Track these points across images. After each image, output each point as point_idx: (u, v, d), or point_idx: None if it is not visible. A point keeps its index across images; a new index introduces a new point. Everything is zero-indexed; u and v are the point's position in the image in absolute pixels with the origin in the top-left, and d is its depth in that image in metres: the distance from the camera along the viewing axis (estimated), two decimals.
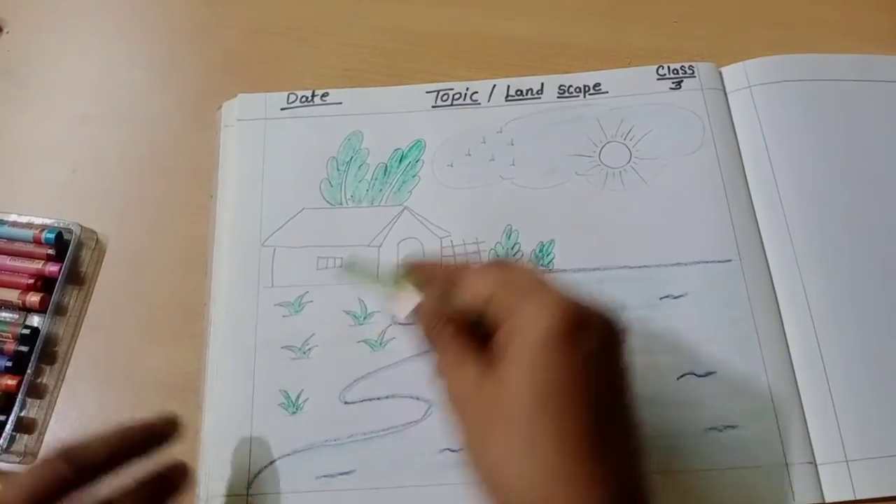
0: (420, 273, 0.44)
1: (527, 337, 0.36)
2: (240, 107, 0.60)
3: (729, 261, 0.53)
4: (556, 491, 0.34)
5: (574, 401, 0.35)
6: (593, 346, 0.36)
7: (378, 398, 0.51)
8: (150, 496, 0.44)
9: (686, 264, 0.54)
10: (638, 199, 0.56)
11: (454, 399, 0.39)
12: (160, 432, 0.45)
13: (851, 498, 0.48)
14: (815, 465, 0.48)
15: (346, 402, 0.51)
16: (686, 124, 0.58)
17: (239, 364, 0.52)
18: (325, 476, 0.49)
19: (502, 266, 0.41)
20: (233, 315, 0.53)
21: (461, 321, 0.40)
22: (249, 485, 0.49)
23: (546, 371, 0.35)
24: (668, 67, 0.60)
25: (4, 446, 0.50)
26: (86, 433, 0.42)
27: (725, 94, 0.59)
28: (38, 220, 0.56)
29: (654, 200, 0.56)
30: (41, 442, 0.52)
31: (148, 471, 0.44)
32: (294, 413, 0.51)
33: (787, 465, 0.48)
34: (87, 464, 0.41)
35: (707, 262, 0.54)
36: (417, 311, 0.43)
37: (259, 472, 0.49)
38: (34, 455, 0.51)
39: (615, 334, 0.38)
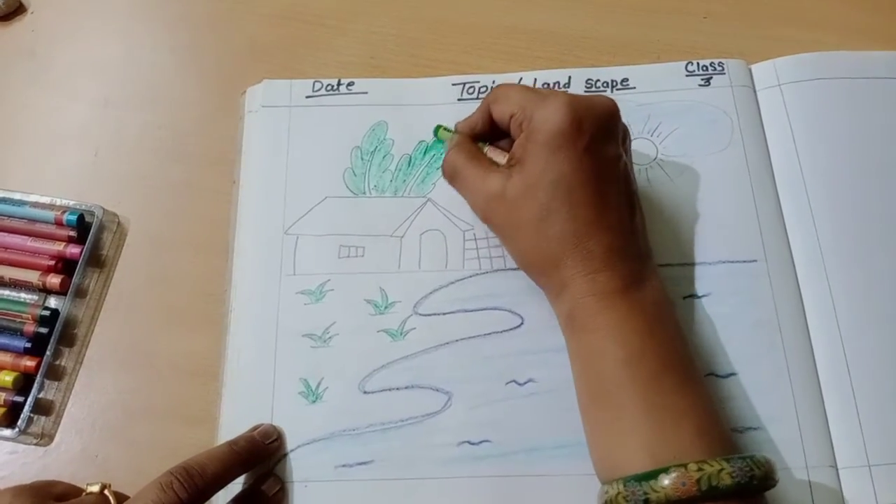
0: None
1: (538, 139, 0.46)
2: (264, 93, 0.59)
3: (754, 261, 0.53)
4: (570, 245, 0.45)
5: (579, 183, 0.45)
6: (588, 138, 0.45)
7: (397, 388, 0.51)
8: None
9: (710, 264, 0.53)
10: (663, 196, 0.55)
11: (485, 207, 0.49)
12: (264, 447, 0.48)
13: (873, 503, 0.47)
14: (837, 469, 0.48)
15: (365, 392, 0.51)
16: (714, 122, 0.57)
17: (259, 351, 0.52)
18: (343, 465, 0.49)
19: (524, 88, 0.50)
20: (254, 302, 0.53)
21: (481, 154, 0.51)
22: (270, 472, 0.49)
23: (555, 163, 0.45)
24: (698, 64, 0.59)
25: (22, 427, 0.50)
26: (199, 452, 0.45)
27: (755, 91, 0.58)
28: (59, 202, 0.56)
29: (679, 198, 0.55)
30: (58, 424, 0.52)
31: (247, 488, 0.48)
32: (314, 402, 0.51)
33: (807, 468, 0.48)
34: (202, 486, 0.43)
35: (732, 261, 0.53)
36: (451, 141, 0.53)
37: (278, 460, 0.49)
38: (51, 437, 0.52)
39: (609, 124, 0.47)
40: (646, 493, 0.39)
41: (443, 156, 0.54)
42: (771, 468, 0.40)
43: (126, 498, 0.47)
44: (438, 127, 0.56)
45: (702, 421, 0.42)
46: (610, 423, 0.43)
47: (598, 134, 0.46)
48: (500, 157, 0.51)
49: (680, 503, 0.38)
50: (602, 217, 0.46)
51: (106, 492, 0.48)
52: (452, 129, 0.55)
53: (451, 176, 0.52)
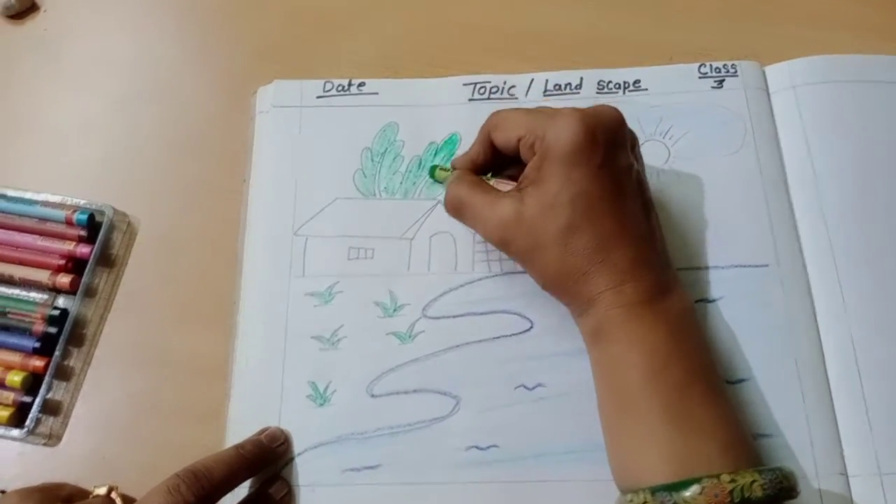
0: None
1: (554, 157, 0.46)
2: (275, 93, 0.59)
3: (766, 266, 0.53)
4: (597, 260, 0.45)
5: (598, 198, 0.45)
6: (603, 151, 0.45)
7: (406, 392, 0.51)
8: None
9: (722, 268, 0.53)
10: (674, 199, 0.55)
11: (501, 233, 0.48)
12: (271, 450, 0.48)
13: None
14: (847, 477, 0.48)
15: (373, 396, 0.51)
16: (727, 124, 0.57)
17: (268, 353, 0.52)
18: (351, 469, 0.49)
19: (526, 110, 0.50)
20: (263, 303, 0.53)
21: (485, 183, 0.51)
22: (276, 476, 0.49)
23: (574, 179, 0.45)
24: (711, 66, 0.59)
25: (31, 428, 0.50)
26: (206, 456, 0.45)
27: (768, 94, 0.58)
28: (70, 201, 0.56)
29: (690, 201, 0.55)
30: (67, 425, 0.52)
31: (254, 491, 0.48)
32: (322, 405, 0.50)
33: (818, 476, 0.47)
34: (209, 489, 0.43)
35: (743, 266, 0.53)
36: (451, 180, 0.52)
37: (286, 463, 0.49)
38: (59, 437, 0.52)
39: (619, 134, 0.47)
40: (675, 503, 0.39)
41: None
42: (796, 481, 0.41)
43: (133, 500, 0.47)
44: (434, 167, 0.56)
45: (728, 433, 0.42)
46: (633, 433, 0.43)
47: (610, 145, 0.46)
48: (505, 188, 0.50)
49: None
50: (624, 229, 0.46)
51: (113, 494, 0.48)
52: (448, 167, 0.55)
53: (457, 209, 0.52)
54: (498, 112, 0.51)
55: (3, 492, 0.50)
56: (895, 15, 0.62)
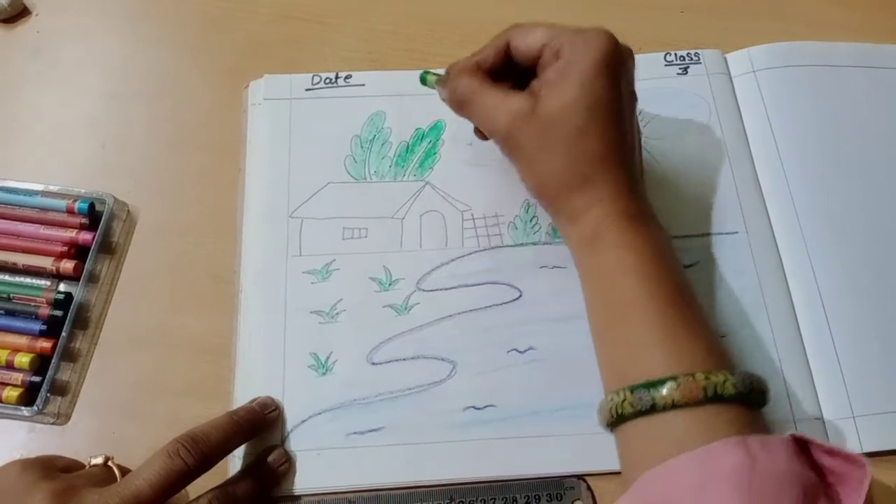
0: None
1: (580, 63, 0.47)
2: (266, 87, 0.62)
3: (736, 233, 0.56)
4: (602, 168, 0.47)
5: (613, 110, 0.48)
6: (623, 71, 0.48)
7: (404, 359, 0.53)
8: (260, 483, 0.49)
9: (695, 236, 0.57)
10: (649, 176, 0.58)
11: (510, 125, 0.48)
12: (263, 416, 0.50)
13: (858, 451, 0.50)
14: (823, 421, 0.51)
15: (373, 364, 0.53)
16: (693, 107, 0.61)
17: (270, 328, 0.54)
18: (354, 433, 0.51)
19: (547, 23, 0.51)
20: (263, 282, 0.55)
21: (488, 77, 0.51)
22: (282, 442, 0.51)
23: (596, 88, 0.47)
24: (675, 54, 0.63)
25: (40, 407, 0.52)
26: (203, 422, 0.47)
27: (731, 78, 0.62)
28: (71, 191, 0.58)
29: (664, 177, 0.58)
30: (74, 404, 0.53)
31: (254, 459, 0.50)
32: (324, 374, 0.53)
33: (794, 421, 0.51)
34: (207, 452, 0.45)
35: (715, 233, 0.57)
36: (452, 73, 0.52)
37: (292, 430, 0.51)
38: (67, 416, 0.53)
39: (632, 65, 0.50)
40: (653, 399, 0.41)
41: (438, 143, 0.56)
42: (766, 387, 0.43)
43: (129, 470, 0.48)
44: (426, 72, 0.55)
45: (710, 339, 0.45)
46: (624, 336, 0.45)
47: (627, 70, 0.49)
48: None
49: (686, 406, 0.41)
50: (627, 144, 0.49)
51: (109, 463, 0.49)
52: (443, 73, 0.54)
53: (462, 100, 0.52)
54: (519, 23, 0.52)
55: None
56: (847, 8, 0.68)
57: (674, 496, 0.39)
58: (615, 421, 0.43)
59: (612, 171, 0.48)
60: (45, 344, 0.53)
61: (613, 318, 0.46)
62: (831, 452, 0.40)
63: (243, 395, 0.52)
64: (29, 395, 0.52)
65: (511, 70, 0.51)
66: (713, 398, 0.41)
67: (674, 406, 0.41)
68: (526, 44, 0.50)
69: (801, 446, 0.41)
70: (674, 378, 0.41)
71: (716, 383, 0.41)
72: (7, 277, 0.56)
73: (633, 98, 0.50)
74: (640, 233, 0.47)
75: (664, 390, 0.41)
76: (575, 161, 0.47)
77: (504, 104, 0.49)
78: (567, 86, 0.47)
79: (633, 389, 0.42)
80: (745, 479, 0.37)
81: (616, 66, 0.48)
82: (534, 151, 0.48)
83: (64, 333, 0.54)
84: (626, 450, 0.44)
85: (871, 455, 0.50)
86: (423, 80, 0.55)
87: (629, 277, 0.46)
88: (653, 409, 0.41)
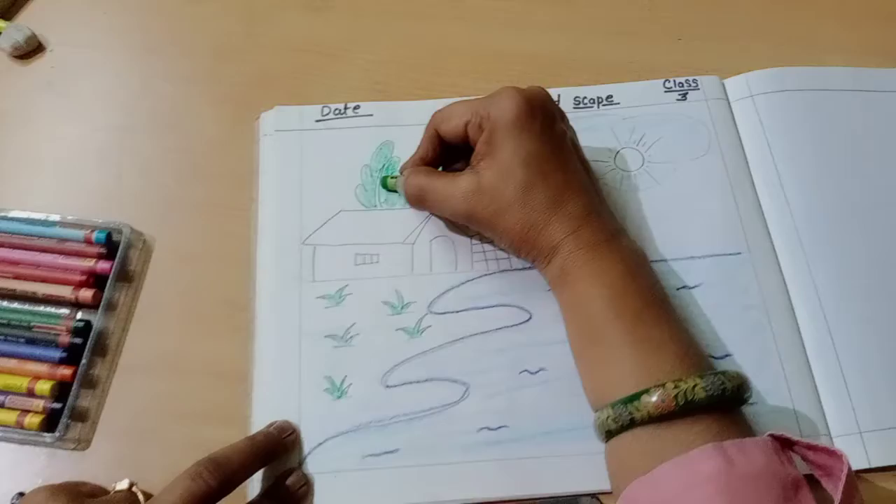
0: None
1: (502, 128, 0.52)
2: (276, 118, 0.63)
3: (739, 253, 0.58)
4: (554, 211, 0.51)
5: (546, 156, 0.52)
6: (541, 118, 0.52)
7: (417, 381, 0.54)
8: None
9: (699, 257, 0.58)
10: (652, 199, 0.60)
11: (465, 205, 0.53)
12: (281, 440, 0.51)
13: (866, 466, 0.51)
14: (831, 437, 0.52)
15: (387, 386, 0.54)
16: (693, 131, 0.63)
17: (285, 353, 0.55)
18: (370, 455, 0.52)
19: (465, 100, 0.56)
20: (277, 308, 0.56)
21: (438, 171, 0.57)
22: (300, 465, 0.52)
23: (523, 143, 0.51)
24: (675, 81, 0.65)
25: (61, 433, 0.52)
26: (222, 446, 0.48)
27: (729, 103, 0.64)
28: (88, 221, 0.59)
29: (667, 200, 0.60)
30: (94, 430, 0.54)
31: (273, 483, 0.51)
32: (339, 398, 0.54)
33: (801, 437, 0.51)
34: (229, 475, 0.46)
35: (718, 254, 0.58)
36: (404, 174, 0.57)
37: (309, 453, 0.52)
38: (88, 442, 0.54)
39: (550, 106, 0.54)
40: (631, 413, 0.44)
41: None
42: (742, 381, 0.45)
43: (152, 496, 0.49)
44: (385, 177, 0.61)
45: (680, 348, 0.47)
46: (600, 358, 0.49)
47: (547, 114, 0.53)
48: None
49: (661, 418, 0.43)
50: (572, 181, 0.52)
51: (134, 489, 0.50)
52: (397, 174, 0.60)
53: (419, 197, 0.56)
54: (439, 109, 0.57)
55: (21, 494, 0.51)
56: (844, 30, 0.70)
57: (661, 500, 0.41)
58: (606, 437, 0.47)
59: (565, 208, 0.51)
60: (65, 371, 0.54)
61: (589, 342, 0.50)
62: (812, 448, 0.43)
63: (261, 419, 0.53)
64: (50, 422, 0.53)
65: (458, 148, 0.56)
66: (686, 405, 0.43)
67: (650, 419, 0.43)
68: (450, 128, 0.55)
69: (785, 444, 0.44)
70: (646, 391, 0.44)
71: (685, 390, 0.43)
72: (28, 307, 0.57)
73: (564, 135, 0.54)
74: (603, 258, 0.50)
75: (639, 404, 0.44)
76: (529, 213, 0.51)
77: (455, 189, 0.53)
78: (497, 153, 0.52)
79: (613, 406, 0.45)
80: (723, 482, 0.40)
81: (531, 118, 0.52)
82: (493, 218, 0.52)
83: (84, 360, 0.55)
84: (614, 463, 0.47)
85: (879, 470, 0.51)
86: (384, 185, 0.61)
87: (596, 303, 0.49)
88: (632, 423, 0.44)
